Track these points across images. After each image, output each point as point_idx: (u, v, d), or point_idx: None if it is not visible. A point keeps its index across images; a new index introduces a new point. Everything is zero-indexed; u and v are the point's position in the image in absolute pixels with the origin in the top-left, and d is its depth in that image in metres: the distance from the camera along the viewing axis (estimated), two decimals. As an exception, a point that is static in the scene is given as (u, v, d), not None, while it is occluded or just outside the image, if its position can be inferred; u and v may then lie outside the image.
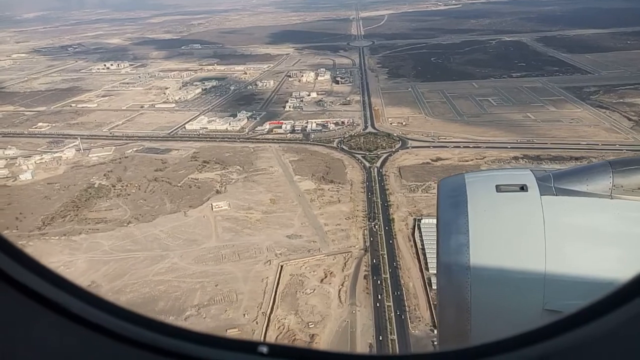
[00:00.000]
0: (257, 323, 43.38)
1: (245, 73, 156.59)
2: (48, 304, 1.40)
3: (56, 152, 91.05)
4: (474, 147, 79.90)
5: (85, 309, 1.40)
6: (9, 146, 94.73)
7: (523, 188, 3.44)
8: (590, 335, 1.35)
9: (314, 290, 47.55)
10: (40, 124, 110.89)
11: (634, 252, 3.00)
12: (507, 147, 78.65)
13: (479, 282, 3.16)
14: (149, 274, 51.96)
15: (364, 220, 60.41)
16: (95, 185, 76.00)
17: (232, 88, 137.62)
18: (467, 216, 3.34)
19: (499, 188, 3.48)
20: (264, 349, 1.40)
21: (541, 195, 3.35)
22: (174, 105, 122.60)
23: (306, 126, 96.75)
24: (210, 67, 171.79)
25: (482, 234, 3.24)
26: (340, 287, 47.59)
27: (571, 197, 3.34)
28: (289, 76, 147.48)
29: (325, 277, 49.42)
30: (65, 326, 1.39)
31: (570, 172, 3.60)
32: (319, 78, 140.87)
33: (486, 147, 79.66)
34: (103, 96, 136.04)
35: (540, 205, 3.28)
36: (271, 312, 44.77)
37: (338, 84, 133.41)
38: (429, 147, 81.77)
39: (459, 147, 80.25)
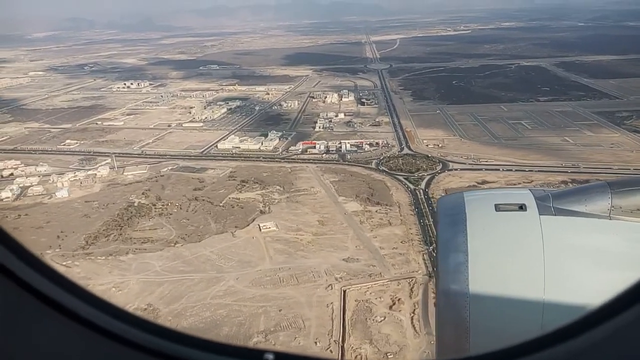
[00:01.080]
0: (331, 352, 41.39)
1: (268, 94, 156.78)
2: (56, 306, 1.40)
3: (89, 169, 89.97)
4: (518, 170, 78.78)
5: (108, 321, 1.42)
6: (41, 163, 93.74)
7: (522, 207, 3.42)
8: (585, 344, 1.35)
9: (384, 317, 45.65)
10: (68, 141, 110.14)
11: (632, 272, 2.83)
12: (552, 171, 77.49)
13: (477, 302, 3.10)
14: (206, 297, 50.12)
15: (420, 244, 58.78)
16: (135, 204, 74.58)
17: (257, 108, 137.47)
18: (466, 235, 3.31)
19: (498, 207, 3.46)
20: (271, 357, 1.39)
21: (540, 215, 3.32)
22: (201, 124, 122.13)
23: (340, 147, 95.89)
24: (231, 88, 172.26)
25: (481, 253, 3.20)
26: (412, 314, 45.70)
27: (570, 217, 3.32)
28: (312, 97, 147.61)
29: (394, 303, 47.56)
30: (72, 329, 1.39)
31: (569, 193, 3.61)
32: (344, 99, 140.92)
33: (530, 171, 78.53)
34: (128, 114, 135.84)
35: (539, 225, 3.25)
36: (344, 341, 42.81)
37: (364, 105, 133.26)
38: (471, 169, 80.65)
39: (502, 170, 79.06)
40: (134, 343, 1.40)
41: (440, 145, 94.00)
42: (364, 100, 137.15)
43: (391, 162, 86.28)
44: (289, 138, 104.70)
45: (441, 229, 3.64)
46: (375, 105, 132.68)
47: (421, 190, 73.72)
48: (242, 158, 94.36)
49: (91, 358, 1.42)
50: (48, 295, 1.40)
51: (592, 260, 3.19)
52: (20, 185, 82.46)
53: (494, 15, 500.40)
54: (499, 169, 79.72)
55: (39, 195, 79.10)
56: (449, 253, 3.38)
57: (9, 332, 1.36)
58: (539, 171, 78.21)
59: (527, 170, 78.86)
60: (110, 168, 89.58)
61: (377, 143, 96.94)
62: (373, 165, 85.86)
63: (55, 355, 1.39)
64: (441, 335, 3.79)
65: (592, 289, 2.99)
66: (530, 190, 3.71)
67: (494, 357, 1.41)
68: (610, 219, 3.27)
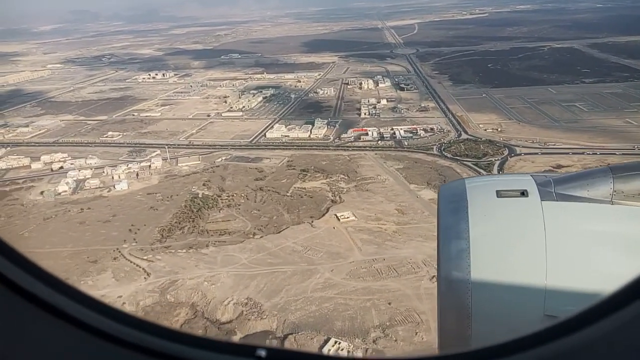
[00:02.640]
0: (460, 345, 39.35)
1: (299, 81, 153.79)
2: (47, 307, 1.38)
3: (141, 161, 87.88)
4: (591, 153, 76.12)
5: (85, 313, 1.40)
6: (90, 155, 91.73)
7: (523, 193, 3.40)
8: (587, 339, 1.35)
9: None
10: (110, 132, 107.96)
11: (634, 257, 2.94)
12: (627, 154, 74.75)
13: (479, 288, 3.12)
14: (306, 290, 48.18)
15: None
16: (200, 196, 72.55)
17: (292, 96, 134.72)
18: (467, 221, 3.29)
19: (499, 193, 3.44)
20: (263, 353, 1.38)
21: (542, 200, 3.31)
22: (241, 113, 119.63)
23: (394, 133, 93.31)
24: (259, 76, 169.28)
25: (483, 240, 3.21)
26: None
27: (572, 203, 3.30)
28: (347, 84, 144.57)
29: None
30: (65, 330, 1.38)
31: (571, 178, 3.56)
32: (380, 85, 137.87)
33: (602, 154, 75.85)
34: (162, 105, 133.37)
35: (540, 211, 3.23)
36: (468, 333, 40.74)
37: (403, 90, 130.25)
38: (540, 153, 78.05)
39: (573, 154, 76.44)
40: (126, 342, 1.37)
41: (499, 129, 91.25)
42: (402, 85, 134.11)
43: (453, 147, 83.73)
44: (337, 125, 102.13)
45: (442, 216, 3.59)
46: (415, 91, 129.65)
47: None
48: (295, 147, 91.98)
49: (78, 356, 1.40)
50: (39, 297, 1.39)
51: (594, 245, 3.15)
52: (74, 178, 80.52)
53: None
54: (568, 153, 77.04)
55: (97, 188, 77.17)
56: (450, 240, 3.35)
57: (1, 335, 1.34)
58: (611, 154, 75.43)
59: (598, 153, 76.17)
60: (163, 159, 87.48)
61: (431, 129, 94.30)
62: (435, 152, 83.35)
63: (48, 357, 1.37)
64: (443, 322, 3.74)
65: (595, 274, 2.95)
66: (531, 175, 3.68)
67: (496, 349, 1.40)
68: (612, 204, 3.24)
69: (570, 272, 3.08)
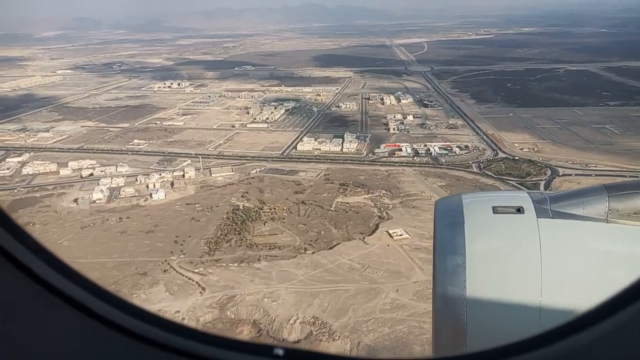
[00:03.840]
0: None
1: (319, 95, 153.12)
2: (59, 294, 1.43)
3: (174, 170, 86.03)
4: (634, 175, 75.31)
5: (113, 312, 1.44)
6: (120, 163, 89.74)
7: (520, 210, 3.41)
8: (583, 343, 1.36)
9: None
10: (136, 140, 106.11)
11: (629, 275, 2.67)
12: (672, 177, 74.14)
13: (475, 304, 3.13)
14: (374, 311, 46.34)
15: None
16: (241, 208, 70.73)
17: (314, 109, 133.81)
18: (463, 237, 3.30)
19: (495, 209, 3.45)
20: (280, 352, 1.39)
21: (537, 217, 3.33)
22: (265, 125, 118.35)
23: (428, 149, 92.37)
24: (276, 89, 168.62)
25: (479, 255, 3.23)
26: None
27: (567, 220, 3.31)
28: (368, 99, 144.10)
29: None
30: (77, 318, 1.42)
31: (567, 195, 3.59)
32: (402, 101, 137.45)
33: (647, 177, 75.17)
34: (183, 115, 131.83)
35: (536, 228, 3.25)
36: None
37: (427, 107, 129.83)
38: (585, 175, 77.19)
39: (617, 176, 75.61)
40: (146, 338, 1.41)
41: (535, 149, 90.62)
42: (426, 102, 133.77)
43: (493, 166, 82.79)
44: (367, 140, 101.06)
45: (438, 231, 3.60)
46: (439, 108, 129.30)
47: (543, 196, 70.06)
48: (328, 160, 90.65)
49: (96, 349, 1.43)
50: (51, 283, 1.42)
51: (590, 263, 3.17)
52: (107, 186, 78.46)
53: (506, 20, 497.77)
54: (611, 175, 76.18)
55: (133, 197, 75.18)
56: (446, 255, 3.36)
57: (12, 318, 1.38)
58: (655, 177, 74.72)
59: (642, 176, 75.43)
60: (196, 169, 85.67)
61: (466, 146, 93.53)
62: (475, 169, 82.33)
63: (56, 341, 1.41)
64: (438, 337, 3.73)
65: (589, 292, 2.91)
66: (528, 193, 3.70)
67: (491, 354, 1.41)
68: (608, 222, 3.26)
69: (565, 290, 3.07)
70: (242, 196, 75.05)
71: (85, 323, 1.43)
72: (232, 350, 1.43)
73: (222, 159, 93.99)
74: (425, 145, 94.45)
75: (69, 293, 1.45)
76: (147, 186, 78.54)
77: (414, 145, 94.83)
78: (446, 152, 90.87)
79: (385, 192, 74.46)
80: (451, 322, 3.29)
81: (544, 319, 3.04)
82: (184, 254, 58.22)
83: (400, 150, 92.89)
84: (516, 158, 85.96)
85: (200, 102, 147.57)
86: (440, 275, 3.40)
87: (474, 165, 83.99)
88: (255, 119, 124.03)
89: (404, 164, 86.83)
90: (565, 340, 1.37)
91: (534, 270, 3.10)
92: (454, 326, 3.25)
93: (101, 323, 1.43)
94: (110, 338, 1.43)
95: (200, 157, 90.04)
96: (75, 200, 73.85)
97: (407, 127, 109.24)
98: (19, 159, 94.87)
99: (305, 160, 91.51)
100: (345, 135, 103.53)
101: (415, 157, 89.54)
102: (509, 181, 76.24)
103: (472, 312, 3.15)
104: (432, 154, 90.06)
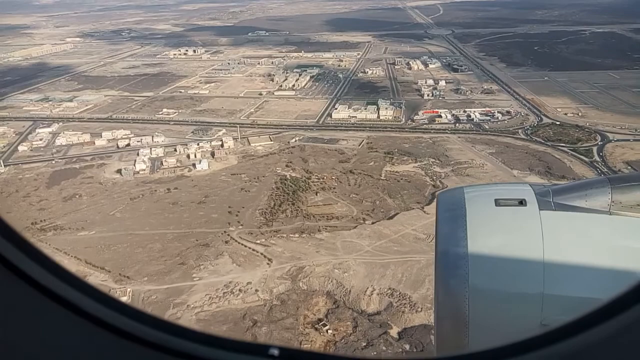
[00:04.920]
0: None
1: (341, 61, 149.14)
2: (54, 297, 1.42)
3: (211, 140, 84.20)
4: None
5: (102, 310, 1.43)
6: (156, 133, 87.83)
7: (522, 202, 3.41)
8: (585, 343, 1.35)
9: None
10: (165, 110, 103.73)
11: (631, 268, 2.97)
12: None
13: (477, 296, 3.14)
14: (450, 281, 45.52)
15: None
16: (288, 177, 69.37)
17: (340, 76, 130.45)
18: (465, 230, 3.31)
19: (498, 202, 3.45)
20: (275, 352, 1.39)
21: (540, 210, 3.32)
22: (293, 92, 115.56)
23: (469, 115, 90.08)
24: (296, 54, 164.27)
25: (481, 248, 3.23)
26: None
27: (570, 213, 3.31)
28: (393, 64, 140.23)
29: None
30: (73, 321, 1.41)
31: (570, 188, 3.58)
32: (430, 66, 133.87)
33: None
34: (207, 83, 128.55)
35: (539, 220, 3.25)
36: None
37: (457, 72, 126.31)
38: (633, 140, 75.30)
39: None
40: (140, 338, 1.40)
41: (579, 114, 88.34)
42: (455, 66, 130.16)
43: (540, 132, 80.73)
44: (402, 107, 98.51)
45: (440, 224, 3.59)
46: (469, 72, 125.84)
47: (599, 163, 68.50)
48: (367, 128, 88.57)
49: (92, 351, 1.43)
50: (46, 287, 1.42)
51: (592, 255, 3.13)
52: (147, 156, 76.92)
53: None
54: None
55: (176, 167, 73.76)
56: (448, 247, 3.35)
57: (8, 323, 1.37)
58: None
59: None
60: (234, 139, 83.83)
61: (507, 112, 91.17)
62: (522, 136, 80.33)
63: (53, 346, 1.40)
64: (440, 329, 3.73)
65: (592, 284, 2.99)
66: (530, 185, 3.69)
67: (494, 353, 1.41)
68: (610, 215, 3.26)
69: (567, 282, 3.06)
70: (287, 166, 73.54)
71: (76, 322, 1.42)
72: (227, 350, 1.42)
73: (256, 127, 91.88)
74: (465, 111, 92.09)
75: (59, 292, 1.43)
76: (188, 156, 76.96)
77: (453, 112, 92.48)
78: (488, 118, 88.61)
79: (434, 160, 72.80)
80: (453, 314, 3.26)
81: (546, 311, 3.03)
82: (241, 224, 57.23)
83: (440, 116, 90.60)
84: (561, 123, 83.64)
85: (221, 70, 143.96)
86: (442, 267, 3.36)
87: (519, 131, 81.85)
88: (281, 86, 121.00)
89: (447, 131, 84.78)
90: (569, 340, 1.35)
91: (536, 262, 3.07)
92: (456, 318, 3.22)
93: (93, 323, 1.42)
94: (102, 338, 1.41)
95: (238, 126, 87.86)
96: (118, 171, 72.47)
97: (441, 93, 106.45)
98: (49, 129, 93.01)
99: (342, 128, 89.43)
100: (379, 102, 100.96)
101: (456, 124, 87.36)
102: (560, 147, 74.38)
103: (474, 304, 3.12)
104: (474, 120, 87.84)
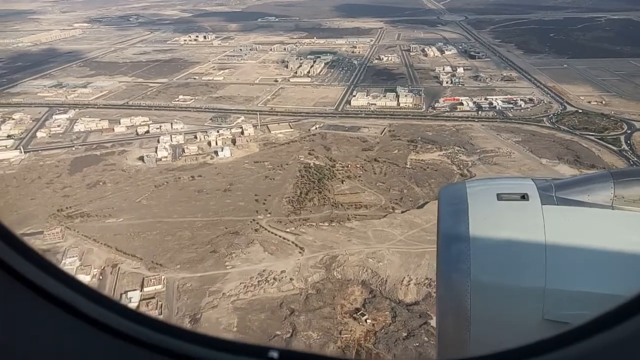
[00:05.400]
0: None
1: (354, 47, 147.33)
2: (52, 299, 1.41)
3: (231, 127, 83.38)
4: None
5: (102, 313, 1.42)
6: (175, 120, 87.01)
7: (524, 197, 3.41)
8: (593, 348, 1.32)
9: None
10: (181, 96, 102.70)
11: (634, 263, 2.98)
12: None
13: (478, 291, 3.14)
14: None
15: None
16: (311, 165, 68.67)
17: (355, 62, 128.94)
18: (467, 224, 3.31)
19: (500, 196, 3.45)
20: (275, 354, 1.39)
21: (542, 204, 3.32)
22: (309, 79, 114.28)
23: (491, 103, 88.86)
24: (307, 41, 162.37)
25: (483, 242, 3.24)
26: None
27: (572, 207, 3.31)
28: (408, 50, 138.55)
29: None
30: (71, 323, 1.40)
31: (572, 182, 3.59)
32: (446, 53, 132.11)
33: None
34: (220, 69, 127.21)
35: (541, 215, 3.25)
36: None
37: (474, 59, 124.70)
38: (661, 129, 74.14)
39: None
40: (139, 340, 1.40)
41: (602, 102, 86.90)
42: (472, 53, 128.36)
43: (565, 120, 79.59)
44: (422, 94, 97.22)
45: (442, 218, 3.57)
46: (487, 59, 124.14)
47: (628, 152, 67.50)
48: (388, 116, 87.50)
49: (92, 353, 1.42)
50: (44, 288, 1.41)
51: (594, 249, 3.10)
52: (168, 144, 76.21)
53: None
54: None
55: (198, 154, 73.07)
56: (450, 242, 3.35)
57: (5, 325, 1.37)
58: None
59: None
60: (254, 126, 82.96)
61: (530, 99, 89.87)
62: (547, 124, 79.19)
63: (52, 348, 1.39)
64: (442, 324, 3.70)
65: (594, 278, 3.00)
66: (532, 179, 3.67)
67: (498, 358, 1.39)
68: (613, 209, 3.25)
69: (569, 277, 3.05)
70: (309, 153, 72.79)
71: (74, 324, 1.40)
72: (226, 352, 1.40)
73: (275, 115, 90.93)
74: (486, 99, 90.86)
75: (55, 293, 1.42)
76: (209, 143, 76.20)
77: (474, 99, 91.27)
78: (511, 105, 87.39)
79: (459, 148, 71.88)
80: (455, 309, 3.25)
81: (547, 306, 3.01)
82: (269, 213, 56.69)
83: (462, 104, 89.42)
84: (585, 112, 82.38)
85: (233, 56, 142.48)
86: (444, 262, 3.35)
87: (544, 119, 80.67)
88: (296, 73, 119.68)
89: (469, 118, 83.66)
90: (574, 346, 1.31)
91: (538, 257, 3.06)
92: (457, 313, 3.22)
93: (95, 327, 1.40)
94: (102, 340, 1.39)
95: (258, 113, 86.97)
96: (140, 158, 71.89)
97: (460, 80, 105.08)
98: (66, 116, 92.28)
99: (362, 116, 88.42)
100: (397, 89, 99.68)
101: (479, 112, 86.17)
102: (587, 136, 73.30)
103: (476, 299, 3.13)
104: (497, 108, 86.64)
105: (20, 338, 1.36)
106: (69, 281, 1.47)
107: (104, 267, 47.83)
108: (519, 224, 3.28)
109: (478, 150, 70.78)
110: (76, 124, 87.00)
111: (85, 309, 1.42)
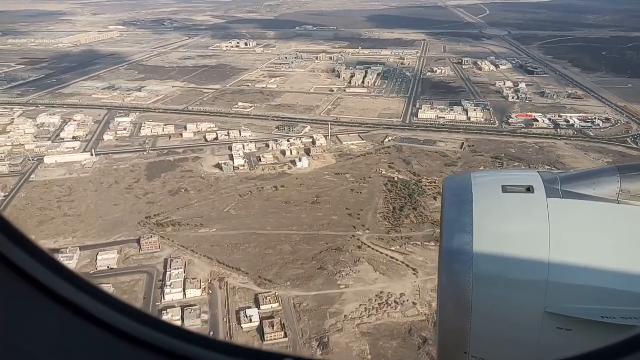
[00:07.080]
0: None
1: (403, 59, 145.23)
2: (56, 297, 1.40)
3: (301, 137, 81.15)
4: None
5: (129, 325, 1.40)
6: (242, 127, 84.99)
7: (529, 189, 3.38)
8: None
9: None
10: (240, 104, 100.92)
11: (638, 257, 2.96)
12: None
13: (480, 282, 3.13)
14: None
15: None
16: (396, 179, 66.05)
17: (407, 74, 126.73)
18: (471, 215, 3.27)
19: (505, 189, 3.42)
20: None
21: (547, 197, 3.29)
22: (366, 90, 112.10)
23: (568, 121, 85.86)
24: (352, 51, 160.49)
25: (487, 234, 3.21)
26: None
27: (578, 201, 3.27)
28: (460, 63, 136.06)
29: None
30: (74, 322, 1.39)
31: (578, 176, 3.53)
32: (501, 67, 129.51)
33: None
34: (271, 77, 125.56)
35: (546, 208, 3.22)
36: None
37: (532, 74, 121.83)
38: None
39: None
40: (154, 346, 1.38)
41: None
42: (530, 69, 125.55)
43: (652, 141, 76.37)
44: (490, 109, 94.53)
45: (446, 209, 3.50)
46: (546, 75, 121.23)
47: None
48: (462, 130, 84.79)
49: (97, 356, 1.40)
50: (47, 286, 1.40)
51: (599, 243, 3.09)
52: (241, 152, 74.05)
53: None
54: None
55: (275, 164, 70.77)
56: (453, 233, 3.29)
57: (6, 321, 1.36)
58: None
59: None
60: (325, 136, 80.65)
61: (607, 119, 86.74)
62: (633, 145, 76.06)
63: (53, 346, 1.38)
64: (443, 315, 3.66)
65: (597, 272, 2.96)
66: (538, 172, 3.59)
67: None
68: (619, 203, 3.21)
69: (572, 270, 2.98)
70: (390, 167, 70.24)
71: (77, 322, 1.39)
72: (242, 357, 1.39)
73: (341, 125, 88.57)
74: (561, 116, 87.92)
75: (58, 291, 1.40)
76: (283, 153, 73.94)
77: (548, 116, 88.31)
78: (589, 124, 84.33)
79: (549, 167, 68.79)
80: (456, 300, 3.22)
81: (550, 299, 3.01)
82: (367, 229, 54.00)
83: (537, 120, 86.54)
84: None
85: (280, 64, 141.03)
86: (446, 252, 3.31)
87: (628, 139, 77.51)
88: (350, 83, 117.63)
89: (549, 136, 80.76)
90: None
91: (542, 250, 3.01)
92: (459, 304, 3.21)
93: (101, 327, 1.38)
94: (109, 342, 1.37)
95: (329, 124, 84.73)
96: (217, 166, 69.74)
97: (527, 96, 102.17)
98: (128, 119, 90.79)
99: (433, 129, 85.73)
100: (463, 103, 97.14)
101: (557, 129, 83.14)
102: (682, 159, 70.02)
103: (478, 291, 3.11)
104: (575, 126, 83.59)
105: (22, 335, 1.35)
106: (72, 279, 1.45)
107: (210, 281, 45.32)
108: (523, 216, 3.23)
109: (572, 170, 67.64)
110: (142, 128, 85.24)
111: (89, 308, 1.39)
